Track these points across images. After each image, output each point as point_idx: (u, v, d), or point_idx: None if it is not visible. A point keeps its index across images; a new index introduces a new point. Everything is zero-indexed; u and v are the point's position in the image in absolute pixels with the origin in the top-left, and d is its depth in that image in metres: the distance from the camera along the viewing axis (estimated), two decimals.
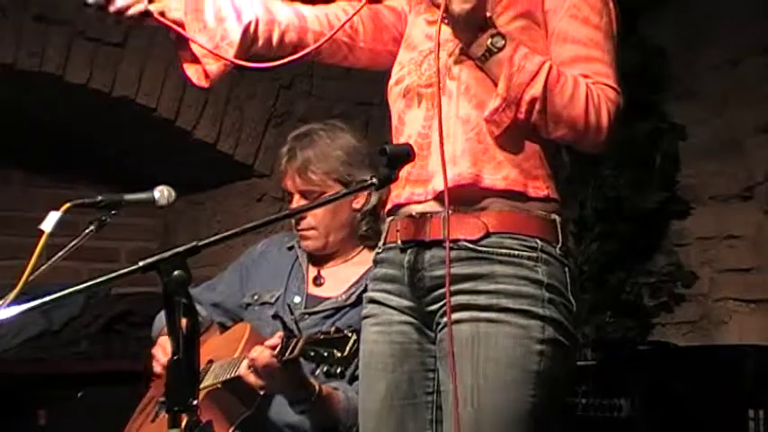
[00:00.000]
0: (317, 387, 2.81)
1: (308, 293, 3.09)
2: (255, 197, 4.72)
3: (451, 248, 2.21)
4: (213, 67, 2.31)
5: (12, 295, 2.17)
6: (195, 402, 1.90)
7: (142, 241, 4.98)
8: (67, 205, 2.37)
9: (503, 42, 2.20)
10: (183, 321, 1.90)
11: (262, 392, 2.85)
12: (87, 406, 4.04)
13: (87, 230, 2.45)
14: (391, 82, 2.40)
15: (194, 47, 2.31)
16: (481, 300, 2.20)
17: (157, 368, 3.05)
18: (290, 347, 2.71)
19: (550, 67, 2.18)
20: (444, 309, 2.23)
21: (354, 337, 2.63)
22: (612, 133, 2.22)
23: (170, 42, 4.19)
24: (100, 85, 4.26)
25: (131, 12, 2.28)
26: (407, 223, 2.29)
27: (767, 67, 4.45)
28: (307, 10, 2.42)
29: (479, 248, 2.21)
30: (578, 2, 2.24)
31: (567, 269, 2.25)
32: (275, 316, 3.01)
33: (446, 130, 2.22)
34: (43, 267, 2.34)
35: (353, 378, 2.93)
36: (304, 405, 2.82)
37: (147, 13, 2.29)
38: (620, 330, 4.60)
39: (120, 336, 4.41)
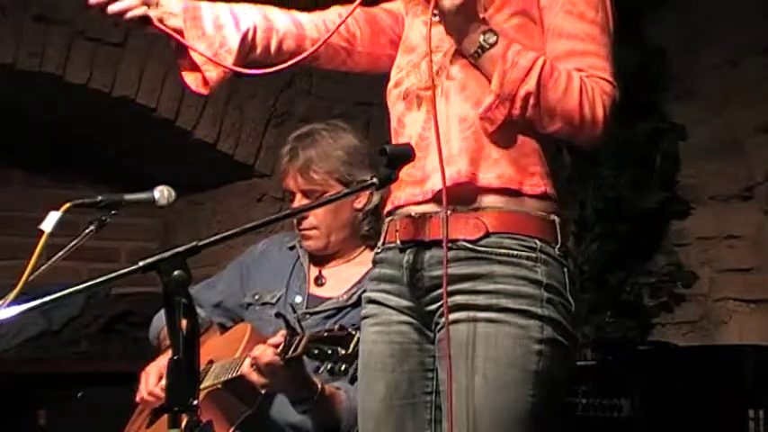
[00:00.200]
0: (319, 386, 2.81)
1: (309, 293, 3.09)
2: (255, 197, 4.72)
3: (450, 248, 2.21)
4: (212, 73, 2.31)
5: (12, 295, 2.17)
6: (195, 402, 1.90)
7: (142, 241, 4.98)
8: (67, 205, 2.37)
9: (495, 38, 2.20)
10: (183, 321, 1.90)
11: (264, 391, 2.85)
12: (87, 406, 4.04)
13: (87, 230, 2.45)
14: (390, 84, 2.40)
15: (193, 54, 2.31)
16: (480, 300, 2.20)
17: (138, 397, 3.05)
18: (294, 345, 2.71)
19: (544, 62, 2.18)
20: (443, 308, 2.23)
21: (358, 335, 2.63)
22: (609, 126, 2.21)
23: (170, 43, 4.19)
24: (100, 85, 4.26)
25: (129, 15, 2.28)
26: (407, 223, 2.29)
27: (767, 67, 4.45)
28: (304, 18, 2.42)
29: (478, 248, 2.21)
30: None
31: (565, 269, 2.25)
32: (278, 314, 3.01)
33: (444, 131, 2.23)
34: (43, 267, 2.34)
35: (356, 377, 2.93)
36: (306, 404, 2.82)
37: (146, 20, 2.28)
38: (620, 330, 4.60)
39: (120, 336, 4.41)
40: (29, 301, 2.00)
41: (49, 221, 2.35)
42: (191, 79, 2.34)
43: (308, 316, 3.03)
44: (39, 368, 4.17)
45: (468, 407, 2.18)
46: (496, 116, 2.18)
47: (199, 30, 2.30)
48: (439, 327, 2.25)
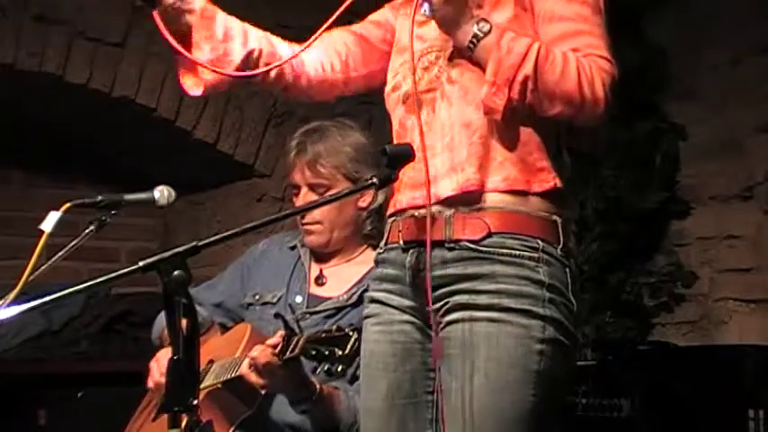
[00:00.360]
0: (317, 386, 2.81)
1: (309, 293, 3.09)
2: (255, 197, 4.72)
3: (453, 248, 2.22)
4: (209, 76, 2.31)
5: (12, 295, 2.17)
6: (195, 402, 1.90)
7: (142, 241, 4.98)
8: (67, 205, 2.37)
9: (488, 26, 2.20)
10: (183, 321, 1.90)
11: (263, 392, 2.85)
12: (87, 406, 4.04)
13: (87, 230, 2.45)
14: (387, 89, 2.40)
15: (195, 53, 2.31)
16: (482, 299, 2.20)
17: (150, 383, 3.05)
18: (292, 346, 2.71)
19: (539, 47, 2.17)
20: (445, 308, 2.23)
21: (355, 335, 2.63)
22: (609, 105, 2.20)
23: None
24: (100, 85, 4.26)
25: None
26: (409, 224, 2.29)
27: (767, 68, 4.45)
28: (307, 56, 2.42)
29: (481, 248, 2.21)
30: None
31: (567, 270, 2.25)
32: (277, 315, 3.01)
33: (450, 138, 2.24)
34: (43, 267, 2.34)
35: (354, 377, 2.93)
36: (305, 405, 2.82)
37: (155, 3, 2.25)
38: (620, 330, 4.60)
39: (120, 336, 4.41)
40: (29, 301, 2.00)
41: (49, 221, 2.35)
42: (187, 79, 2.34)
43: (307, 315, 3.03)
44: (39, 368, 4.17)
45: (468, 406, 2.18)
46: (496, 103, 2.17)
47: (209, 31, 2.29)
48: (441, 326, 2.25)
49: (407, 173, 2.28)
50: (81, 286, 1.97)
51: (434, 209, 2.25)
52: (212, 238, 2.02)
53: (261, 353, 2.76)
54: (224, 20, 2.33)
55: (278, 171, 4.62)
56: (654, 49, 4.71)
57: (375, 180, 2.20)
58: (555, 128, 2.28)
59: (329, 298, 3.06)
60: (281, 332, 2.80)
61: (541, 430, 2.22)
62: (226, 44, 2.31)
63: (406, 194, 2.31)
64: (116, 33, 4.27)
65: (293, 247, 3.19)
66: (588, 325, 4.46)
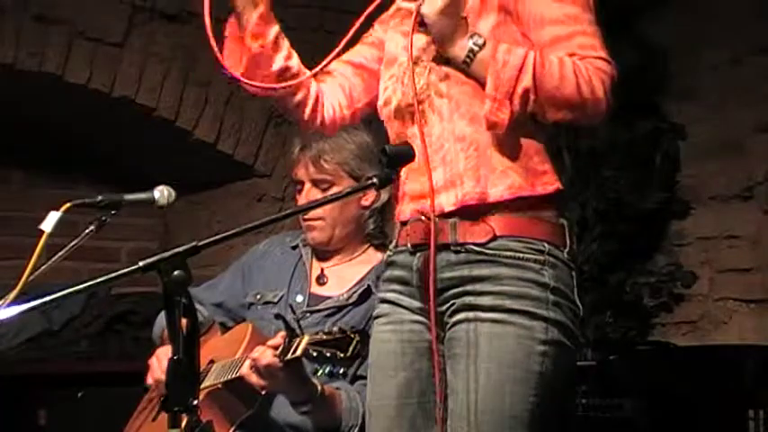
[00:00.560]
0: (318, 387, 2.81)
1: (310, 292, 3.09)
2: (255, 197, 4.72)
3: (459, 252, 2.23)
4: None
5: (12, 295, 2.17)
6: (195, 402, 1.90)
7: (142, 241, 4.98)
8: (67, 205, 2.37)
9: (482, 40, 2.20)
10: (184, 321, 1.90)
11: (263, 392, 2.85)
12: (87, 406, 4.04)
13: (87, 230, 2.45)
14: (380, 103, 2.41)
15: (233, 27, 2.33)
16: (486, 300, 2.21)
17: (150, 380, 3.05)
18: (293, 347, 2.71)
19: (535, 56, 2.17)
20: (451, 309, 2.25)
21: (357, 337, 2.64)
22: (610, 103, 2.20)
23: (170, 42, 4.20)
24: (100, 85, 4.26)
25: None
26: (417, 227, 2.30)
27: (767, 67, 4.45)
28: (325, 99, 2.44)
29: (486, 251, 2.22)
30: None
31: (574, 273, 2.26)
32: (278, 315, 3.01)
33: (445, 153, 2.25)
34: (43, 267, 2.34)
35: (355, 378, 2.93)
36: (306, 405, 2.82)
37: None
38: (620, 330, 4.60)
39: (120, 336, 4.41)
40: (29, 301, 1.99)
41: (49, 221, 2.35)
42: (230, 54, 2.35)
43: (308, 314, 3.03)
44: (39, 368, 4.16)
45: (470, 405, 2.18)
46: (500, 118, 2.17)
47: (264, 29, 2.32)
48: (449, 326, 2.25)
49: (408, 184, 2.29)
50: (81, 286, 1.97)
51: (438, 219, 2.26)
52: (212, 238, 2.02)
53: (262, 354, 2.76)
54: (278, 30, 2.34)
55: (278, 171, 4.62)
56: (654, 49, 4.71)
57: (375, 180, 2.21)
58: (554, 129, 2.29)
59: (330, 297, 3.06)
60: (283, 333, 2.80)
61: (540, 430, 2.23)
62: (273, 51, 2.32)
63: (409, 206, 2.32)
64: (116, 33, 4.27)
65: (295, 247, 3.19)
66: (588, 325, 4.46)
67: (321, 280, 3.12)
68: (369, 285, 3.03)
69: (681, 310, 4.72)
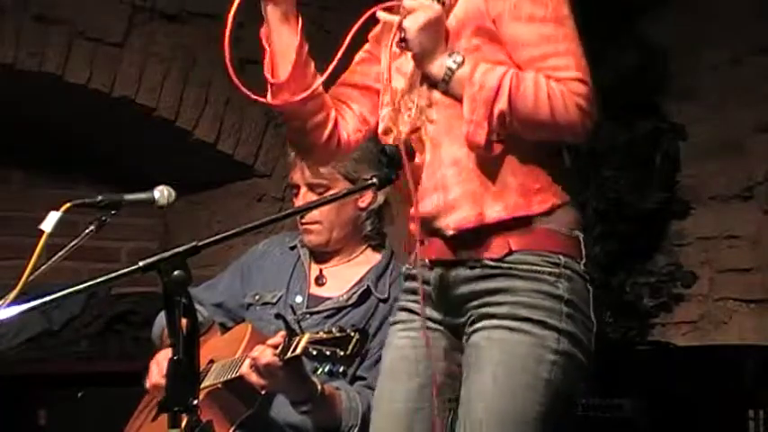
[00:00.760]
0: (318, 386, 2.81)
1: (309, 293, 3.09)
2: (255, 197, 4.72)
3: (475, 267, 2.25)
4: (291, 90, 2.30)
5: (12, 295, 2.17)
6: (195, 402, 1.90)
7: (142, 241, 4.98)
8: (67, 205, 2.37)
9: (461, 58, 2.20)
10: (183, 321, 1.90)
11: (263, 392, 2.85)
12: (87, 406, 4.04)
13: (87, 230, 2.45)
14: (380, 130, 2.40)
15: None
16: (501, 309, 2.22)
17: (148, 384, 3.05)
18: (293, 346, 2.71)
19: (511, 77, 2.17)
20: (471, 320, 2.26)
21: (357, 336, 2.64)
22: (592, 120, 2.20)
23: (170, 42, 4.19)
24: (100, 85, 4.26)
25: None
26: (433, 245, 2.31)
27: (767, 67, 4.45)
28: (343, 116, 2.43)
29: (502, 265, 2.23)
30: (518, 1, 2.20)
31: (590, 286, 2.28)
32: (278, 315, 3.01)
33: (441, 179, 2.26)
34: (43, 267, 2.34)
35: (355, 378, 2.93)
36: (306, 405, 2.82)
37: None
38: (620, 330, 4.60)
39: (120, 336, 4.41)
40: (29, 301, 2.00)
41: (49, 221, 2.35)
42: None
43: (308, 316, 3.03)
44: (39, 368, 4.16)
45: (480, 408, 2.19)
46: (477, 140, 2.19)
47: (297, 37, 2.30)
48: (467, 337, 2.27)
49: (421, 205, 2.30)
50: (81, 286, 1.97)
51: (452, 233, 2.27)
52: (212, 238, 2.02)
53: (262, 353, 2.76)
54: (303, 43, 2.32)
55: (278, 171, 4.62)
56: (654, 49, 4.71)
57: (375, 180, 2.21)
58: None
59: (329, 298, 3.06)
60: (282, 332, 2.80)
61: None
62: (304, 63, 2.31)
63: (424, 225, 2.32)
64: (116, 33, 4.27)
65: (293, 248, 3.19)
66: None
67: (320, 281, 3.12)
68: (368, 286, 3.03)
69: (681, 310, 4.72)
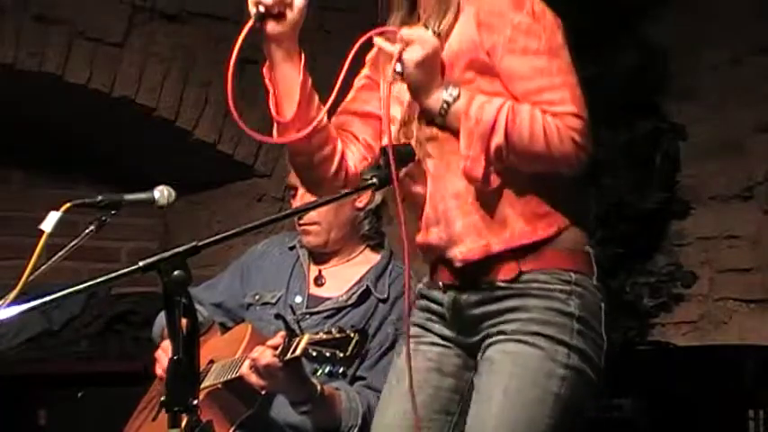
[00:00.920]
0: (318, 387, 2.81)
1: (309, 294, 3.09)
2: (255, 197, 4.72)
3: (486, 289, 2.25)
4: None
5: (12, 295, 2.17)
6: (195, 402, 1.90)
7: (142, 241, 4.98)
8: (67, 205, 2.37)
9: (457, 91, 2.20)
10: (183, 321, 1.90)
11: (263, 392, 2.85)
12: (87, 406, 4.04)
13: (87, 230, 2.45)
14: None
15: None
16: (513, 326, 2.23)
17: (159, 371, 3.06)
18: (292, 347, 2.72)
19: (507, 111, 2.17)
20: (485, 336, 2.26)
21: (357, 337, 2.64)
22: (586, 153, 2.20)
23: (170, 42, 4.18)
24: (100, 85, 4.26)
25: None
26: (444, 269, 2.32)
27: (767, 68, 4.45)
28: (349, 146, 2.41)
29: (514, 286, 2.24)
30: (512, 34, 2.19)
31: (602, 303, 2.28)
32: (277, 316, 3.02)
33: (444, 212, 2.27)
34: (43, 267, 2.34)
35: (355, 378, 2.93)
36: (305, 405, 2.82)
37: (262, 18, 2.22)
38: (619, 330, 4.60)
39: (120, 336, 4.41)
40: (29, 301, 1.99)
41: (49, 221, 2.35)
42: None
43: (307, 316, 3.03)
44: (39, 368, 4.16)
45: (488, 418, 2.20)
46: (474, 174, 2.19)
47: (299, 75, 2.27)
48: (482, 351, 2.27)
49: (428, 235, 2.30)
50: (81, 286, 1.97)
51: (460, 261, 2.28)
52: (212, 238, 2.02)
53: (261, 354, 2.76)
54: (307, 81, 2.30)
55: (278, 171, 4.62)
56: (654, 49, 4.71)
57: (374, 180, 2.20)
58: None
59: (329, 298, 3.06)
60: (282, 333, 2.80)
61: None
62: (309, 99, 2.29)
63: (434, 254, 2.33)
64: (116, 33, 4.27)
65: (292, 248, 3.19)
66: None
67: (319, 281, 3.12)
68: (367, 286, 3.03)
69: (681, 310, 4.72)
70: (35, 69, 4.13)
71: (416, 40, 2.19)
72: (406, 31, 2.21)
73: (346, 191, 2.35)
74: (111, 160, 4.76)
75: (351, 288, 3.05)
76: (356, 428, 2.85)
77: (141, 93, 4.35)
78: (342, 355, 2.63)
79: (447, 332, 2.34)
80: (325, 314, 3.03)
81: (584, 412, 2.32)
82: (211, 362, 3.02)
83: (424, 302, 2.40)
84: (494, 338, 2.24)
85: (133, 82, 4.33)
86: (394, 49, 2.22)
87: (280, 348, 2.75)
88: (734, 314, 4.56)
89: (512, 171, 2.22)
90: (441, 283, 2.33)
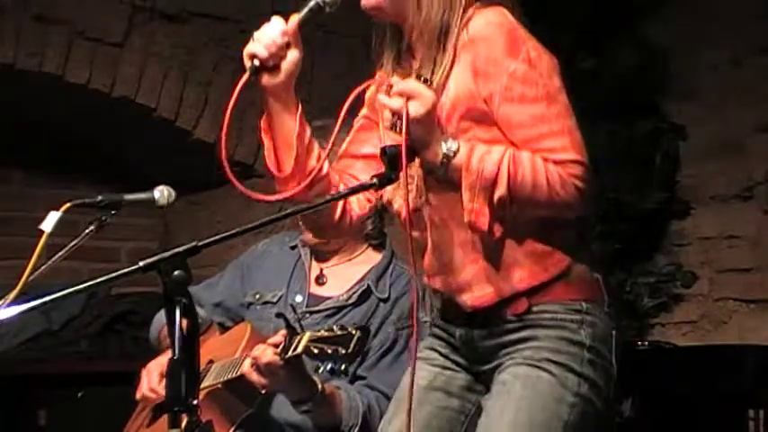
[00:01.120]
0: (319, 386, 2.81)
1: (309, 293, 3.09)
2: None
3: (497, 324, 2.27)
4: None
5: (12, 295, 2.17)
6: (195, 402, 1.89)
7: (142, 241, 4.98)
8: (67, 205, 2.37)
9: (456, 145, 2.17)
10: (183, 321, 1.90)
11: (264, 391, 2.85)
12: (87, 406, 4.04)
13: (87, 230, 2.45)
14: (384, 199, 2.38)
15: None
16: (525, 353, 2.24)
17: (138, 394, 3.05)
18: (294, 345, 2.71)
19: (508, 161, 2.16)
20: (498, 364, 2.28)
21: (358, 334, 2.64)
22: (588, 197, 2.21)
23: (170, 42, 4.17)
24: (100, 85, 4.26)
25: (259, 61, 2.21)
26: (454, 310, 2.34)
27: (767, 68, 4.45)
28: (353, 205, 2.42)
29: (525, 318, 2.25)
30: (509, 82, 2.17)
31: (614, 331, 2.29)
32: (278, 315, 3.01)
33: (449, 262, 2.28)
34: (43, 267, 2.34)
35: (356, 377, 2.93)
36: (306, 404, 2.82)
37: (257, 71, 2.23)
38: (619, 330, 4.59)
39: (120, 336, 4.41)
40: (29, 301, 1.99)
41: (49, 221, 2.35)
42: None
43: (308, 315, 3.03)
44: (39, 368, 4.17)
45: None
46: (479, 226, 2.19)
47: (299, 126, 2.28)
48: (494, 377, 2.28)
49: (437, 279, 2.33)
50: (81, 286, 1.97)
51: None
52: (212, 238, 2.02)
53: (263, 352, 2.76)
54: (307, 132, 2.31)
55: None
56: (654, 49, 4.71)
57: (375, 181, 2.20)
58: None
59: (330, 297, 3.06)
60: (283, 331, 2.80)
61: None
62: (309, 147, 2.30)
63: (444, 295, 2.35)
64: (116, 33, 4.27)
65: (294, 247, 3.19)
66: None
67: (320, 280, 3.12)
68: (368, 285, 3.03)
69: (681, 310, 4.72)
70: (35, 69, 4.13)
71: (415, 96, 2.14)
72: (403, 85, 2.17)
73: (346, 191, 2.35)
74: (110, 160, 4.77)
75: (352, 287, 3.05)
76: (356, 428, 2.85)
77: (141, 93, 4.35)
78: (344, 351, 2.63)
79: (458, 358, 2.37)
80: (325, 313, 3.03)
81: None
82: (211, 362, 3.02)
83: (437, 331, 2.42)
84: (506, 364, 2.26)
85: (133, 82, 4.33)
86: (393, 103, 2.17)
87: (281, 346, 2.75)
88: (734, 314, 4.56)
89: (513, 218, 2.22)
90: (452, 320, 2.35)
